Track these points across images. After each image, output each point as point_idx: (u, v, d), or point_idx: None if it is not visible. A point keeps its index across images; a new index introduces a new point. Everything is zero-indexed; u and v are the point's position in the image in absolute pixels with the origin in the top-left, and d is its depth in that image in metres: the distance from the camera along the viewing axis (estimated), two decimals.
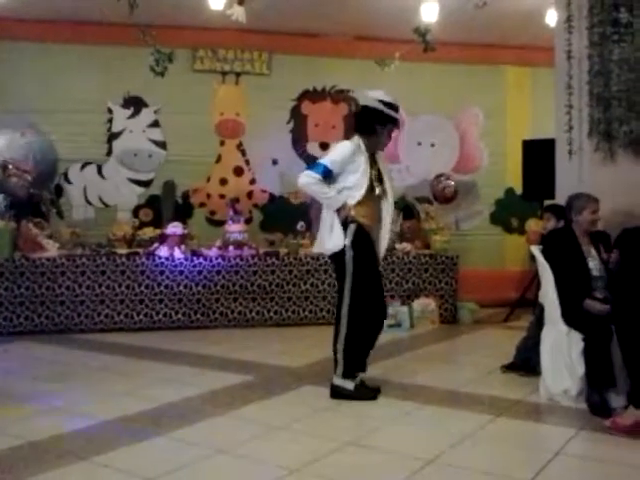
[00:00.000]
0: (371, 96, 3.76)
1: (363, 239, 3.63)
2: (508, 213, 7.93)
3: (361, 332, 3.65)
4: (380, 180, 3.76)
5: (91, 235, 6.75)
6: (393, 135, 3.84)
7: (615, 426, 3.06)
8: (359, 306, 3.61)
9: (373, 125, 3.70)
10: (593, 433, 3.11)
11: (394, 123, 3.75)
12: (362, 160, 3.65)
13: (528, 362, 4.24)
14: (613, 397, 3.36)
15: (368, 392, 3.68)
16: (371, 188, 3.67)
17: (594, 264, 3.75)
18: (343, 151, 3.67)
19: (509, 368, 4.28)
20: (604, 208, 3.83)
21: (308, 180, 3.62)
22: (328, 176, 3.63)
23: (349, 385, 3.66)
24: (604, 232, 3.88)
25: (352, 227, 3.60)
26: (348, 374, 3.66)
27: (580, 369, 3.48)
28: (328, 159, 3.67)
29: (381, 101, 3.72)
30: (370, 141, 3.71)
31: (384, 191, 3.77)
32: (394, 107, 3.75)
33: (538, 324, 4.07)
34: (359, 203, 3.63)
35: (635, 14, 4.42)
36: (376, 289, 3.72)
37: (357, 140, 3.71)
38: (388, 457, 2.85)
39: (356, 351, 3.66)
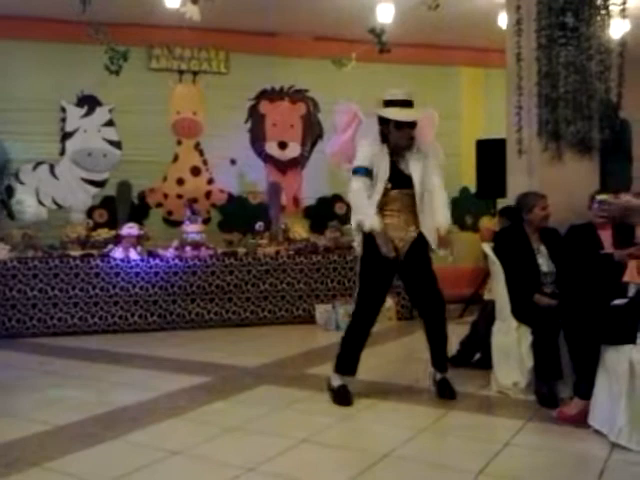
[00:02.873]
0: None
1: (370, 241, 3.57)
2: (462, 211, 8.08)
3: (359, 332, 3.65)
4: (401, 177, 3.64)
5: (44, 237, 6.59)
6: (411, 129, 3.66)
7: (562, 416, 3.17)
8: (360, 306, 3.67)
9: (380, 130, 3.67)
10: (541, 423, 3.21)
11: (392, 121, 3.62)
12: (380, 165, 3.61)
13: (471, 357, 4.40)
14: (561, 388, 3.48)
15: (345, 399, 3.60)
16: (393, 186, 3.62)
17: (543, 260, 3.87)
18: (361, 149, 3.68)
19: (450, 361, 4.33)
20: (552, 205, 3.95)
21: (359, 185, 3.56)
22: (368, 175, 3.60)
23: (335, 381, 3.65)
24: (553, 229, 4.00)
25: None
26: (337, 368, 3.66)
27: (529, 362, 3.59)
28: (356, 162, 3.63)
29: (384, 101, 3.68)
30: (389, 144, 3.66)
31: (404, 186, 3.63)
32: (393, 102, 3.63)
33: (485, 320, 4.18)
34: (383, 205, 3.61)
35: (581, 18, 4.56)
36: (379, 291, 3.69)
37: (378, 144, 3.66)
38: (342, 453, 2.89)
39: (349, 349, 3.66)
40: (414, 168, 3.64)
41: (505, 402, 3.62)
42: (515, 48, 4.63)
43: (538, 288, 3.74)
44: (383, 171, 3.58)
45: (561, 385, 3.50)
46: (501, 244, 3.94)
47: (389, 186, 3.63)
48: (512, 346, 3.68)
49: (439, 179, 3.72)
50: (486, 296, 4.50)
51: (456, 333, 4.76)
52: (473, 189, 7.25)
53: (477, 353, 4.40)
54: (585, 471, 2.66)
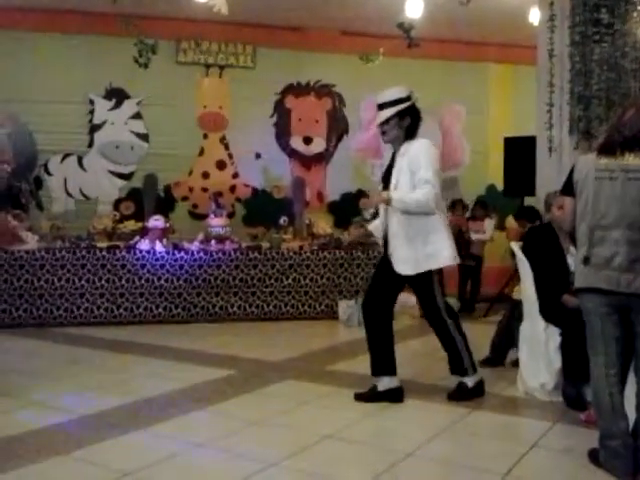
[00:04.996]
0: None
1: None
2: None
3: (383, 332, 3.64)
4: (387, 177, 3.60)
5: (71, 228, 6.69)
6: (376, 128, 3.72)
7: (590, 419, 3.11)
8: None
9: None
10: (568, 426, 3.16)
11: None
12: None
13: (504, 357, 4.36)
14: (588, 391, 3.41)
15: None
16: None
17: (572, 260, 3.79)
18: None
19: (485, 363, 4.32)
20: None
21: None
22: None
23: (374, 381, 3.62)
24: None
25: None
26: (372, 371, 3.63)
27: (557, 363, 3.54)
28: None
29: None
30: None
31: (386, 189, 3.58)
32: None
33: (514, 319, 4.13)
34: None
35: (616, 15, 4.48)
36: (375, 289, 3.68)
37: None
38: (366, 450, 2.88)
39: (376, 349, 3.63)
40: (396, 168, 3.57)
41: (531, 403, 3.57)
42: (547, 44, 4.57)
43: (567, 288, 3.67)
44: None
45: (589, 387, 3.43)
46: (530, 243, 3.88)
47: (381, 187, 3.65)
48: (540, 347, 3.62)
49: (407, 177, 3.47)
50: (515, 296, 4.43)
51: (482, 332, 4.73)
52: (500, 187, 7.16)
53: (509, 353, 4.36)
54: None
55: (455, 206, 7.13)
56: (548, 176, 4.58)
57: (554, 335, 3.59)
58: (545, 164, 4.67)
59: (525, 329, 3.81)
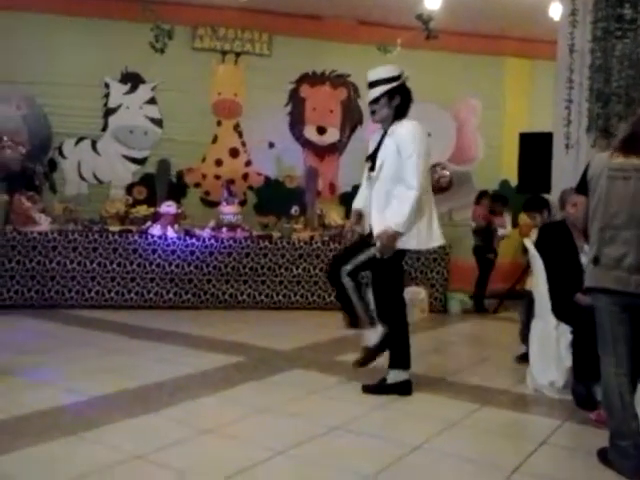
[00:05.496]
0: None
1: None
2: None
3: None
4: (374, 157, 3.56)
5: (84, 211, 6.72)
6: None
7: (600, 419, 3.09)
8: None
9: None
10: (578, 425, 3.15)
11: None
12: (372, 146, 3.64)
13: None
14: (598, 390, 3.39)
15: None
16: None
17: (586, 258, 3.77)
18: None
19: (523, 359, 4.22)
20: None
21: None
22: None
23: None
24: None
25: None
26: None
27: (567, 361, 3.52)
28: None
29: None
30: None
31: (373, 169, 3.56)
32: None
33: (526, 314, 4.11)
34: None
35: (639, 10, 4.41)
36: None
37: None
38: (373, 443, 2.87)
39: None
40: (382, 149, 3.51)
41: (540, 401, 3.57)
42: (568, 39, 4.51)
43: (580, 287, 3.64)
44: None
45: (599, 387, 3.41)
46: (544, 240, 3.86)
47: (368, 166, 3.61)
48: (550, 344, 3.60)
49: (392, 158, 3.43)
50: (528, 286, 4.37)
51: (499, 329, 4.69)
52: (514, 182, 7.10)
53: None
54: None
55: (482, 198, 7.04)
56: (564, 173, 4.54)
57: (565, 333, 3.58)
58: (561, 161, 4.63)
59: (536, 326, 3.80)
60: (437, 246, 3.68)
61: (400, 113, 3.51)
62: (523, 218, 7.32)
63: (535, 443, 2.87)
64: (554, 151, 4.69)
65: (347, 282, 3.53)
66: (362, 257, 3.52)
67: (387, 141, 3.49)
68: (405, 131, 3.44)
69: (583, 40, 4.47)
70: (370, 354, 3.59)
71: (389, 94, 3.47)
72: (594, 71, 4.42)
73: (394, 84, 3.48)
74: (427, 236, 3.49)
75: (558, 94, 4.66)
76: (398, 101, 3.50)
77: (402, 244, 3.45)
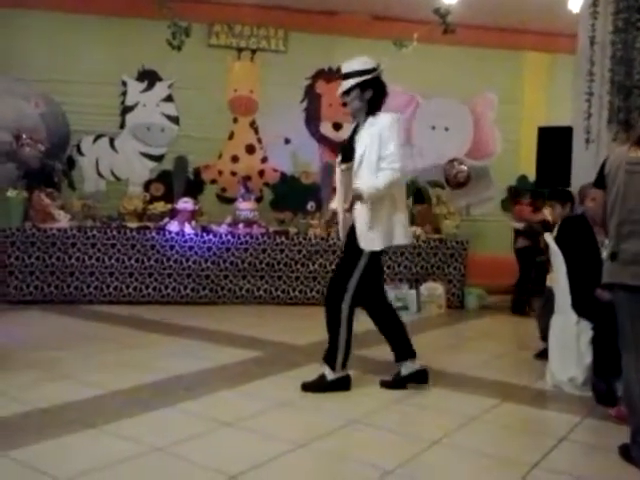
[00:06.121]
0: None
1: None
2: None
3: None
4: (350, 149, 3.48)
5: (102, 208, 6.77)
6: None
7: (620, 415, 3.06)
8: None
9: None
10: (598, 421, 3.12)
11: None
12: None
13: None
14: (619, 386, 3.36)
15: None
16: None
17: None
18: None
19: (542, 355, 4.17)
20: None
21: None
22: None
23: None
24: None
25: None
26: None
27: (587, 358, 3.49)
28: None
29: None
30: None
31: (345, 159, 3.50)
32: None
33: (545, 310, 4.06)
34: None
35: None
36: None
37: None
38: (393, 436, 2.87)
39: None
40: (360, 141, 3.43)
41: (560, 397, 3.54)
42: (589, 31, 4.45)
43: (600, 282, 3.61)
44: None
45: (619, 383, 3.37)
46: (564, 235, 3.81)
47: (339, 160, 3.55)
48: (571, 340, 3.57)
49: (374, 149, 3.36)
50: (548, 283, 4.32)
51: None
52: (532, 177, 7.03)
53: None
54: None
55: (520, 197, 6.76)
56: (584, 167, 4.48)
57: (586, 329, 3.54)
58: (581, 155, 4.57)
59: (556, 322, 3.76)
60: (402, 244, 3.57)
61: (373, 106, 3.46)
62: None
63: (555, 439, 2.85)
64: (574, 145, 4.63)
65: (345, 309, 3.42)
66: (360, 268, 3.41)
67: (364, 135, 3.42)
68: (387, 120, 3.40)
69: (604, 32, 4.41)
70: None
71: (360, 87, 3.42)
72: (615, 63, 4.36)
73: (366, 77, 3.42)
74: (389, 235, 3.43)
75: (578, 87, 4.60)
76: (370, 94, 3.44)
77: (368, 246, 3.38)
